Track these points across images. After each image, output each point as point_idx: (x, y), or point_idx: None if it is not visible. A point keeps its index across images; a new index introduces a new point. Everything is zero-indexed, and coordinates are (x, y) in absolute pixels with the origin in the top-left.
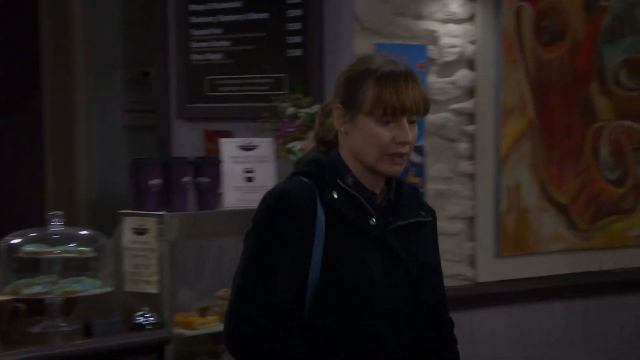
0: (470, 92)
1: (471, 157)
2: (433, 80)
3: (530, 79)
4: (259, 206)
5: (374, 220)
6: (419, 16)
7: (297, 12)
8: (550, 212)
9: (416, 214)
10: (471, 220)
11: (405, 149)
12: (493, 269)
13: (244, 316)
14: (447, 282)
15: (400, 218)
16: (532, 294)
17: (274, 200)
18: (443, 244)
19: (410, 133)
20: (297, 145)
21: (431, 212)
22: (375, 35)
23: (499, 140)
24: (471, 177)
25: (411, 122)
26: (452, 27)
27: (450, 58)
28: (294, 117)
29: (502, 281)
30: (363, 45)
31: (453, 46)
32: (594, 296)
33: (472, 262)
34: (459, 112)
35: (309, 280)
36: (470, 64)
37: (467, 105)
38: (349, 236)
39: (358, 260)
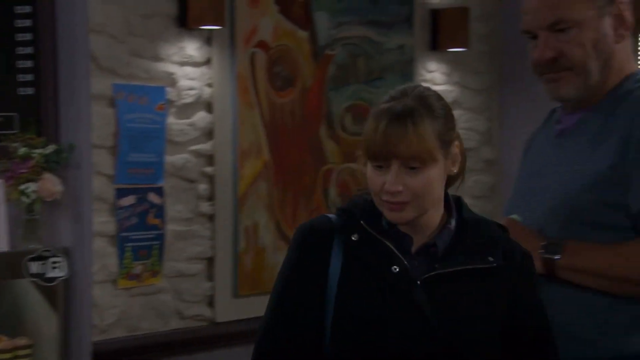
0: (209, 133)
1: (211, 197)
2: (172, 121)
3: (265, 122)
4: None
5: (397, 268)
6: (157, 58)
7: (28, 50)
8: (284, 250)
9: (477, 259)
10: (210, 260)
11: (396, 199)
12: (231, 309)
13: (259, 352)
14: (186, 324)
15: (448, 265)
16: None
17: (294, 235)
18: (182, 284)
19: (407, 181)
20: (30, 187)
21: (510, 257)
22: (113, 75)
23: (237, 181)
24: (211, 217)
25: (411, 168)
26: (189, 70)
27: (188, 100)
28: (27, 157)
29: (240, 320)
30: (100, 85)
31: (191, 88)
32: None
33: (210, 302)
34: (198, 154)
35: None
36: (208, 106)
37: (206, 146)
38: (368, 284)
39: (371, 312)
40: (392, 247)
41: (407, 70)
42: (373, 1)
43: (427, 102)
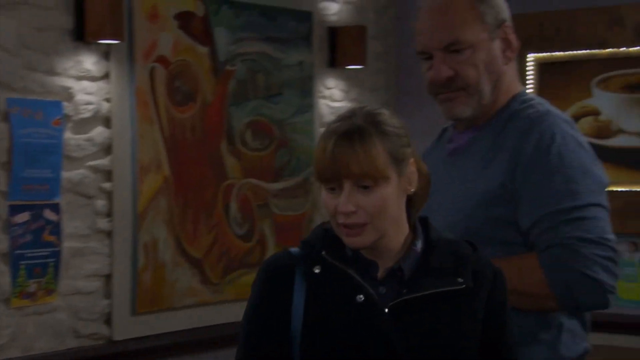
0: (107, 149)
1: (109, 214)
2: (69, 136)
3: (165, 137)
4: None
5: (362, 297)
6: (53, 72)
7: None
8: (184, 267)
9: (446, 281)
10: (108, 277)
11: (351, 220)
12: (129, 327)
13: None
14: (82, 342)
15: (416, 289)
16: (166, 350)
17: (257, 274)
18: (79, 302)
19: (360, 201)
20: None
21: (481, 276)
22: (7, 89)
23: (136, 197)
24: (109, 234)
25: (363, 187)
26: (87, 84)
27: (86, 115)
28: None
29: (138, 338)
30: None
31: (89, 103)
32: (221, 348)
33: (108, 320)
34: (96, 169)
35: None
36: (106, 121)
37: (104, 162)
38: (334, 317)
39: (337, 346)
40: (355, 275)
41: (306, 86)
42: (272, 18)
43: (376, 120)
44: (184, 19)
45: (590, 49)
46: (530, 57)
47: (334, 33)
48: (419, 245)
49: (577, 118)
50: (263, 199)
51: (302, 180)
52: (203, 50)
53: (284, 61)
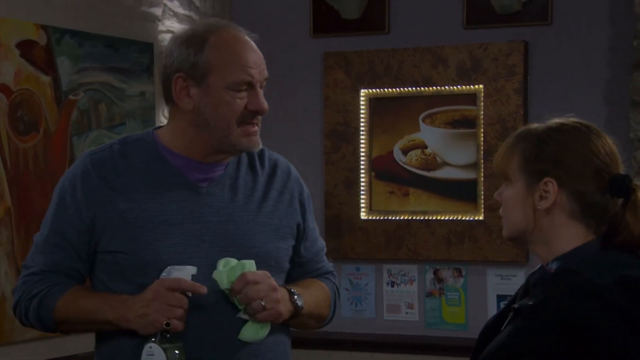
0: None
1: None
2: None
3: (7, 167)
4: None
5: None
6: None
7: None
8: None
9: None
10: None
11: None
12: None
13: None
14: None
15: None
16: None
17: None
18: None
19: None
20: None
21: None
22: None
23: None
24: None
25: None
26: None
27: None
28: None
29: None
30: None
31: None
32: None
33: None
34: None
35: None
36: None
37: None
38: None
39: None
40: None
41: (147, 116)
42: (114, 48)
43: None
44: (26, 48)
45: (416, 87)
46: (363, 92)
47: None
48: None
49: (406, 151)
50: None
51: None
52: (46, 79)
53: (126, 91)
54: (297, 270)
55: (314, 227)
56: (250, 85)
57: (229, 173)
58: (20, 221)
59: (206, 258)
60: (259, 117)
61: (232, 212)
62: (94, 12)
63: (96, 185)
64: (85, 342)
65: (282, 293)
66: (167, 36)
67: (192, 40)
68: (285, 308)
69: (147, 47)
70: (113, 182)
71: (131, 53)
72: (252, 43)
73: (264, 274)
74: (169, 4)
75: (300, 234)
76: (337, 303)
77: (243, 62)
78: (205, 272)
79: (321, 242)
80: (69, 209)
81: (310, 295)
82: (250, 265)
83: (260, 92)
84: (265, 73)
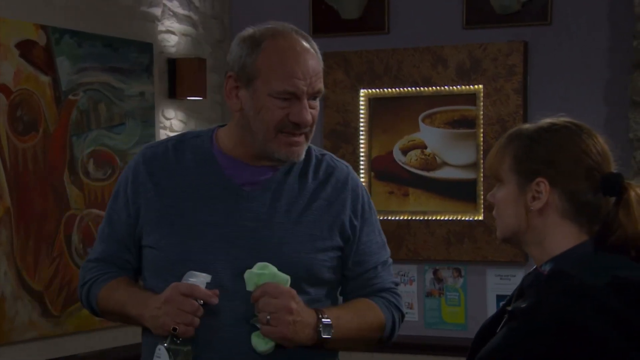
0: None
1: None
2: None
3: (7, 167)
4: None
5: None
6: None
7: None
8: (25, 299)
9: None
10: None
11: None
12: None
13: None
14: None
15: None
16: None
17: None
18: None
19: None
20: None
21: None
22: None
23: None
24: None
25: None
26: None
27: None
28: None
29: None
30: None
31: None
32: None
33: None
34: None
35: None
36: None
37: None
38: None
39: None
40: None
41: (147, 116)
42: (114, 48)
43: None
44: (26, 48)
45: (416, 87)
46: (362, 92)
47: (174, 64)
48: None
49: (405, 151)
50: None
51: None
52: (45, 79)
53: (126, 91)
54: (350, 284)
55: (372, 241)
56: (295, 96)
57: (276, 178)
58: (20, 221)
59: (233, 262)
60: (306, 129)
61: (269, 218)
62: (93, 12)
63: (143, 180)
64: (86, 342)
65: (306, 318)
66: (167, 36)
67: (248, 42)
68: (301, 334)
69: (147, 47)
70: (158, 177)
71: (131, 53)
72: (309, 54)
73: (289, 292)
74: (169, 4)
75: (349, 248)
76: (397, 323)
77: (289, 72)
78: (230, 275)
79: (380, 257)
80: (121, 201)
81: (348, 321)
82: (282, 278)
83: (306, 104)
84: (318, 86)
